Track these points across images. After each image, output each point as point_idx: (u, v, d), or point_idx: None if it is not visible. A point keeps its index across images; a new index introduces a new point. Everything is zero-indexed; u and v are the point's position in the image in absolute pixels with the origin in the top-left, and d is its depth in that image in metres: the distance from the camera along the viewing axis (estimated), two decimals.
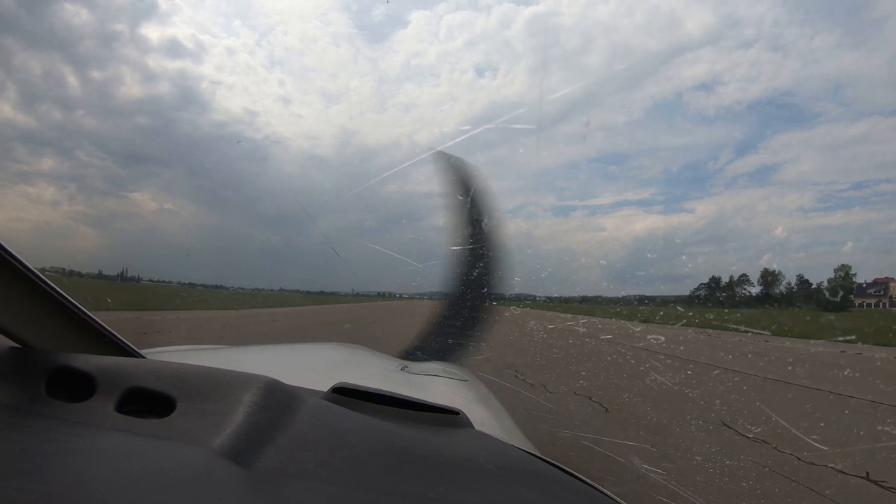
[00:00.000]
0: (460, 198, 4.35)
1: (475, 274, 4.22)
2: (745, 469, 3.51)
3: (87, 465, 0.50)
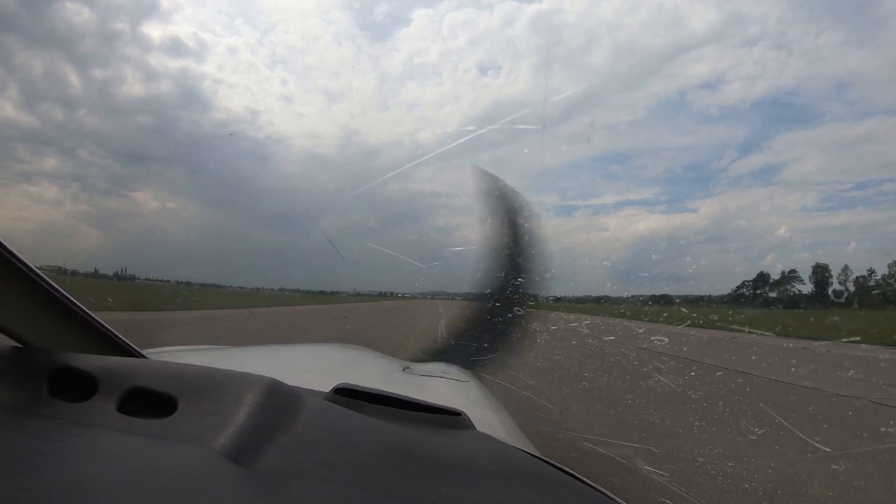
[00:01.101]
0: (488, 203, 4.36)
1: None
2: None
3: (87, 464, 0.50)
